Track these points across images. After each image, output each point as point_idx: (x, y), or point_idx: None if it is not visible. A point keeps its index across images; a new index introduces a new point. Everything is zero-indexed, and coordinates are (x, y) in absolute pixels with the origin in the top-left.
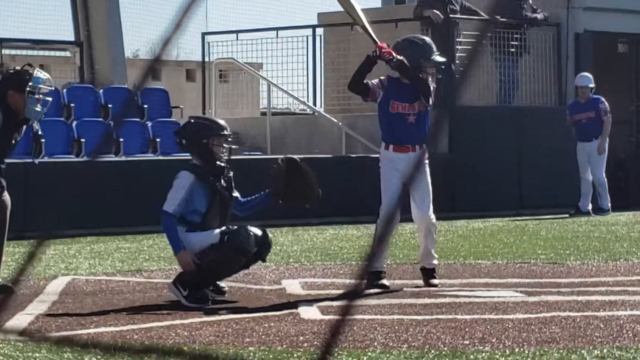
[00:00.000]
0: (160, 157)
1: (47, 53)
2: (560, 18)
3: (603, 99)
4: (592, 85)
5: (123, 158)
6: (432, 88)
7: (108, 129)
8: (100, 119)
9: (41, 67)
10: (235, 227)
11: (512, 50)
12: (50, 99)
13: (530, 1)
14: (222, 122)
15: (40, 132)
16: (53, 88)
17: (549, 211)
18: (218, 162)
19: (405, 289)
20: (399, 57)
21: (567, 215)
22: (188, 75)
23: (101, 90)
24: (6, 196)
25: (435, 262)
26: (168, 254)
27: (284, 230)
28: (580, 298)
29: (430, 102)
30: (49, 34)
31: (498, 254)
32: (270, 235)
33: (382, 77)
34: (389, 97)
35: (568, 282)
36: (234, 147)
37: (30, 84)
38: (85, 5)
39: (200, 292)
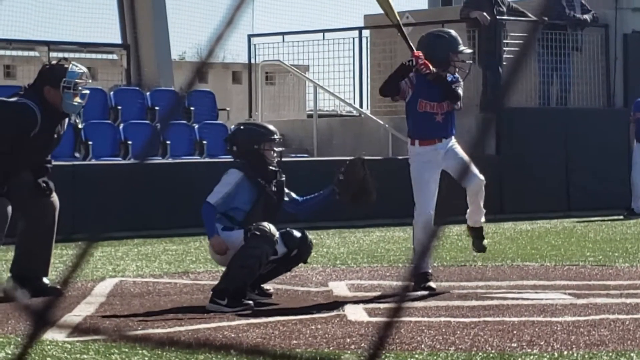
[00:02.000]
0: (207, 160)
1: (94, 56)
2: (608, 19)
3: None
4: None
5: (170, 160)
6: (461, 90)
7: (154, 132)
8: (147, 122)
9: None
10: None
11: (561, 51)
12: (87, 92)
13: (583, 1)
14: (271, 127)
15: (80, 126)
16: (90, 81)
17: (597, 213)
18: (270, 167)
19: (452, 291)
20: (434, 69)
21: (615, 217)
22: (234, 77)
23: (148, 93)
24: (54, 197)
25: (483, 219)
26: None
27: (330, 232)
28: (629, 300)
29: (460, 106)
30: (96, 37)
31: (546, 256)
32: (310, 237)
33: (410, 75)
34: (418, 95)
35: (617, 285)
36: (282, 149)
37: (65, 79)
38: (132, 8)
39: (238, 295)
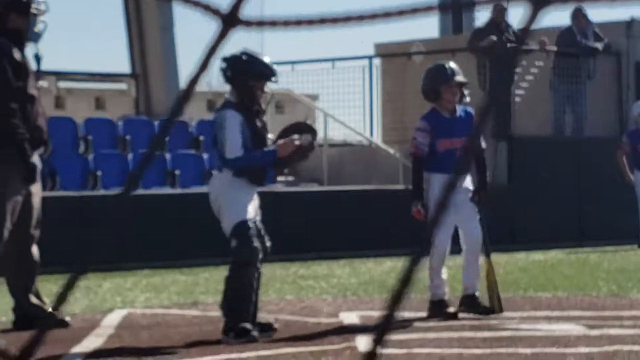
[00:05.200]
0: None
1: (103, 86)
2: (620, 47)
3: None
4: None
5: (179, 190)
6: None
7: (132, 168)
8: (156, 152)
9: (97, 100)
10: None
11: (574, 79)
12: (46, 21)
13: (597, 29)
14: (272, 66)
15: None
16: (47, 11)
17: (610, 242)
18: (257, 105)
19: (464, 322)
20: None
21: (629, 247)
22: None
23: (157, 123)
24: (36, 189)
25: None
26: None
27: (341, 263)
28: None
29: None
30: (105, 67)
31: (559, 286)
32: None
33: (425, 117)
34: (436, 138)
35: (631, 315)
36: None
37: (32, 4)
38: (141, 38)
39: (240, 326)
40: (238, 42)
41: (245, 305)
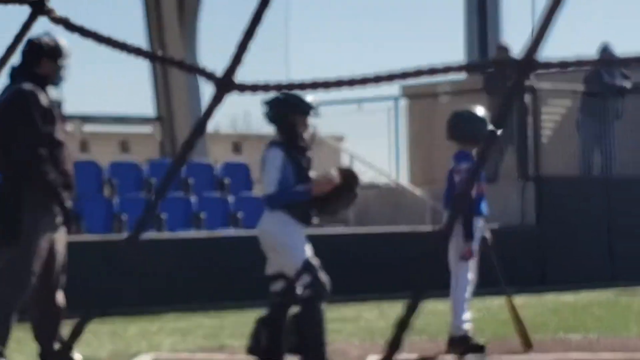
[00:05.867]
0: (242, 232)
1: (128, 129)
2: None
3: None
4: None
5: (205, 234)
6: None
7: (149, 204)
8: (181, 194)
9: (122, 143)
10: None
11: (601, 119)
12: (68, 64)
13: (624, 68)
14: (310, 101)
15: (60, 100)
16: (69, 54)
17: None
18: (301, 140)
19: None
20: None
21: None
22: None
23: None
24: (61, 234)
25: None
26: (251, 330)
27: (368, 305)
28: None
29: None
30: (131, 110)
31: (590, 328)
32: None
33: (467, 156)
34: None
35: None
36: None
37: (62, 51)
38: (166, 81)
39: None
40: (261, 74)
41: (325, 339)
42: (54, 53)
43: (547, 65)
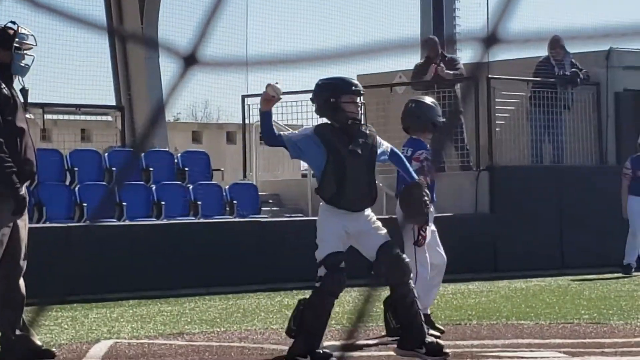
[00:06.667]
0: (202, 220)
1: (88, 117)
2: (599, 77)
3: None
4: None
5: (164, 221)
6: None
7: (107, 192)
8: (142, 183)
9: (82, 131)
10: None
11: (551, 109)
12: (34, 55)
13: (573, 60)
14: (352, 79)
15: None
16: (36, 45)
17: (591, 270)
18: (350, 121)
19: (447, 350)
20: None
21: (610, 274)
22: (229, 137)
23: (142, 155)
24: (22, 222)
25: None
26: (210, 317)
27: None
28: (624, 359)
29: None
30: (91, 99)
31: (541, 314)
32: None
33: (422, 145)
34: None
35: (611, 342)
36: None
37: (16, 39)
38: (126, 70)
39: (321, 352)
40: (221, 71)
41: (320, 332)
42: (10, 41)
43: (510, 41)
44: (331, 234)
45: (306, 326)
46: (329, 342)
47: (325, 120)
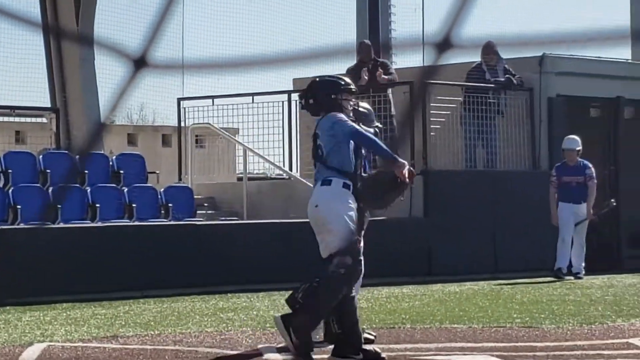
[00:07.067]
0: (137, 223)
1: (23, 119)
2: (533, 82)
3: (590, 165)
4: (579, 148)
5: (99, 224)
6: None
7: (46, 197)
8: (77, 185)
9: (17, 133)
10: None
11: (484, 114)
12: None
13: (506, 65)
14: (347, 78)
15: None
16: None
17: (523, 275)
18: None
19: (382, 354)
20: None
21: (541, 279)
22: (164, 140)
23: (77, 157)
24: None
25: None
26: (144, 320)
27: (260, 295)
28: None
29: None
30: (25, 101)
31: (474, 318)
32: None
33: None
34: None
35: (543, 346)
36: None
37: None
38: (62, 72)
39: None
40: (159, 74)
41: (324, 317)
42: None
43: (462, 46)
44: (354, 220)
45: (316, 306)
46: (263, 344)
47: (317, 116)
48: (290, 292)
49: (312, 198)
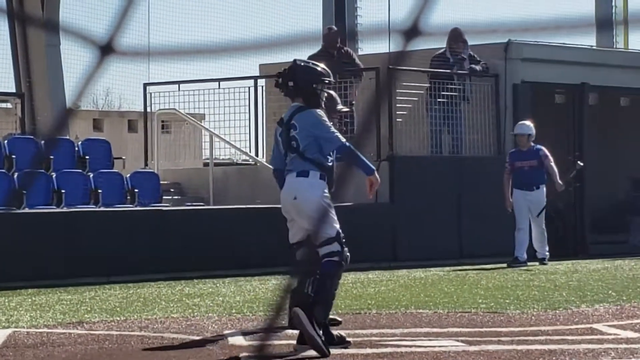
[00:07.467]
0: (102, 209)
1: None
2: (498, 69)
3: (543, 147)
4: (530, 133)
5: (65, 209)
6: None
7: (12, 183)
8: (42, 170)
9: None
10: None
11: (450, 100)
12: None
13: (471, 52)
14: (326, 68)
15: None
16: None
17: (489, 260)
18: (321, 108)
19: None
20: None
21: (506, 265)
22: (130, 126)
23: (42, 142)
24: None
25: None
26: (110, 306)
27: (226, 281)
28: (520, 347)
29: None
30: None
31: (439, 303)
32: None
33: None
34: None
35: (508, 332)
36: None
37: None
38: (27, 56)
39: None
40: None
41: (332, 302)
42: None
43: (430, 34)
44: (334, 212)
45: (326, 295)
46: (229, 330)
47: (296, 100)
48: (291, 292)
49: (288, 188)
